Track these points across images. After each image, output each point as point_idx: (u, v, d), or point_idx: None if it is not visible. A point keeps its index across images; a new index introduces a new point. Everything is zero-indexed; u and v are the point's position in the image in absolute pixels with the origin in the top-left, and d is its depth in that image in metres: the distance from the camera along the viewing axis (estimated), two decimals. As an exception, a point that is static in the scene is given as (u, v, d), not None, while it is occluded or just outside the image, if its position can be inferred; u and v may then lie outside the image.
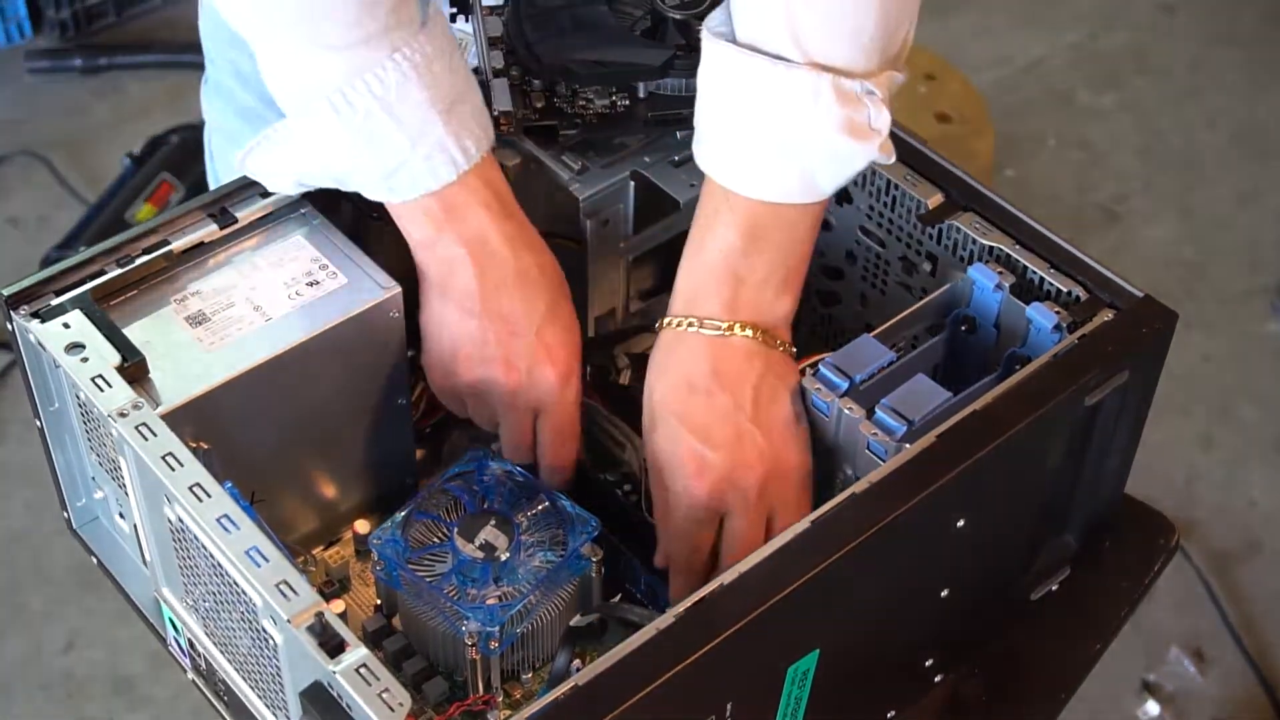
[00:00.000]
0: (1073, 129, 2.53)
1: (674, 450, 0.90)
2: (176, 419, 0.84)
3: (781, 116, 0.87)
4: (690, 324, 0.90)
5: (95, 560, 0.97)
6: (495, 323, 0.91)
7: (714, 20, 0.89)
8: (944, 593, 0.91)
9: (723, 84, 0.88)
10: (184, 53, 2.53)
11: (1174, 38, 2.69)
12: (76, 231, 2.25)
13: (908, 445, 0.85)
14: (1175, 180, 2.46)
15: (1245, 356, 2.21)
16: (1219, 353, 2.21)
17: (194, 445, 0.84)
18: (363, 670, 0.73)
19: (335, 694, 0.74)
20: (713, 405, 0.89)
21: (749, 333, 0.90)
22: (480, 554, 0.89)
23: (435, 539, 0.90)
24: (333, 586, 0.97)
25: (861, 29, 0.85)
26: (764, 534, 0.90)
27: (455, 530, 0.90)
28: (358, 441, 0.96)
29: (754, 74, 0.86)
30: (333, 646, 0.74)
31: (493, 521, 0.90)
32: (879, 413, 0.87)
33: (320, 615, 0.74)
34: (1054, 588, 1.01)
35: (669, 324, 0.91)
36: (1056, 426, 0.90)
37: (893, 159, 0.89)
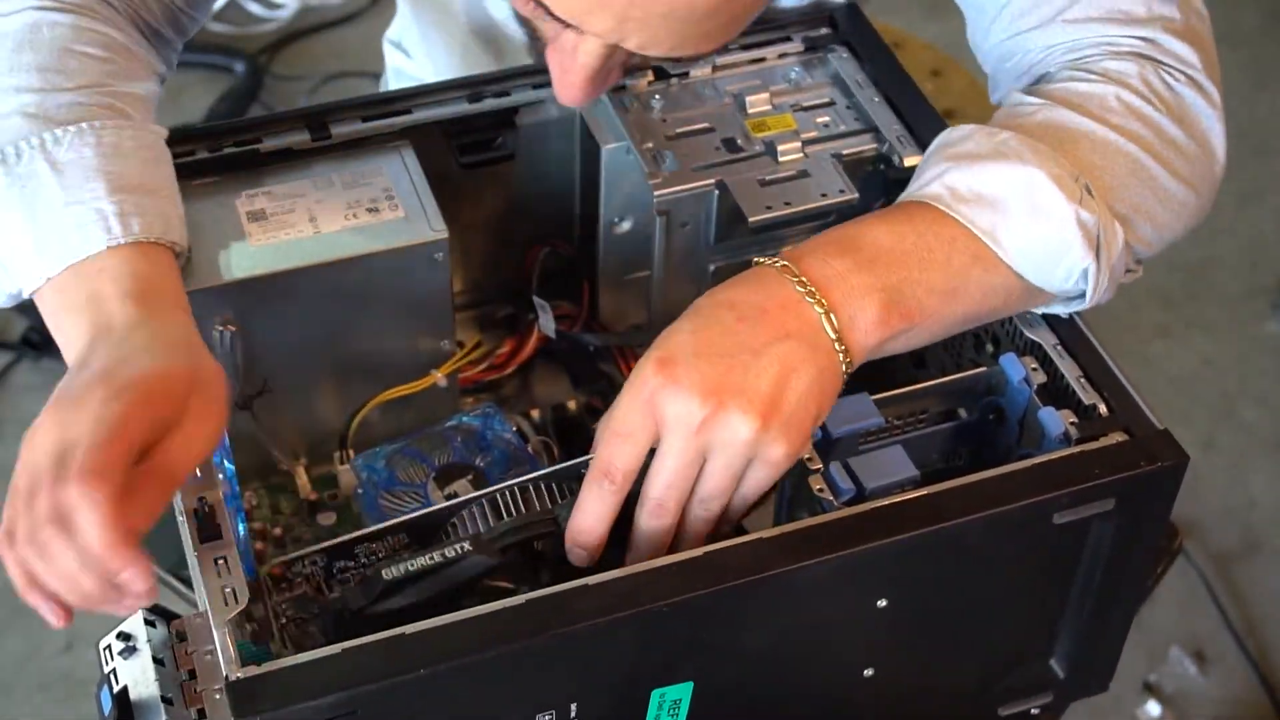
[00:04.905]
0: (1073, 130, 2.53)
1: (664, 340, 0.79)
2: (198, 298, 0.88)
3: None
4: (783, 266, 0.80)
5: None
6: None
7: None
8: (867, 672, 0.86)
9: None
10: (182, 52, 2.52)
11: (1175, 39, 2.68)
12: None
13: None
14: (1176, 181, 2.45)
15: (1246, 357, 2.21)
16: (1220, 353, 2.21)
17: (221, 326, 0.91)
18: (219, 561, 0.75)
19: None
20: (734, 329, 0.78)
21: (824, 312, 0.79)
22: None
23: (418, 478, 0.91)
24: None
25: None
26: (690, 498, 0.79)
27: (433, 475, 0.91)
28: (383, 373, 0.98)
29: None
30: (208, 533, 0.76)
31: (469, 477, 0.91)
32: (831, 469, 0.83)
33: (204, 500, 0.77)
34: (1033, 711, 0.96)
35: (759, 261, 0.82)
36: (1014, 536, 0.85)
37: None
